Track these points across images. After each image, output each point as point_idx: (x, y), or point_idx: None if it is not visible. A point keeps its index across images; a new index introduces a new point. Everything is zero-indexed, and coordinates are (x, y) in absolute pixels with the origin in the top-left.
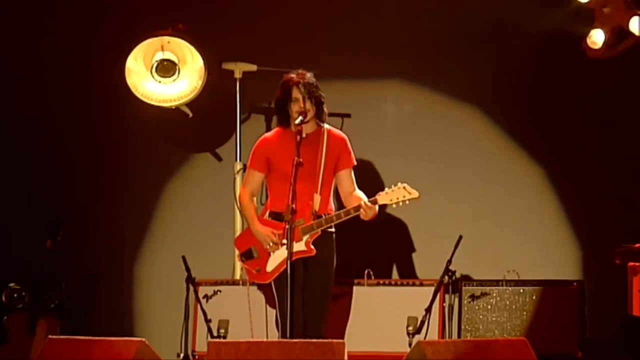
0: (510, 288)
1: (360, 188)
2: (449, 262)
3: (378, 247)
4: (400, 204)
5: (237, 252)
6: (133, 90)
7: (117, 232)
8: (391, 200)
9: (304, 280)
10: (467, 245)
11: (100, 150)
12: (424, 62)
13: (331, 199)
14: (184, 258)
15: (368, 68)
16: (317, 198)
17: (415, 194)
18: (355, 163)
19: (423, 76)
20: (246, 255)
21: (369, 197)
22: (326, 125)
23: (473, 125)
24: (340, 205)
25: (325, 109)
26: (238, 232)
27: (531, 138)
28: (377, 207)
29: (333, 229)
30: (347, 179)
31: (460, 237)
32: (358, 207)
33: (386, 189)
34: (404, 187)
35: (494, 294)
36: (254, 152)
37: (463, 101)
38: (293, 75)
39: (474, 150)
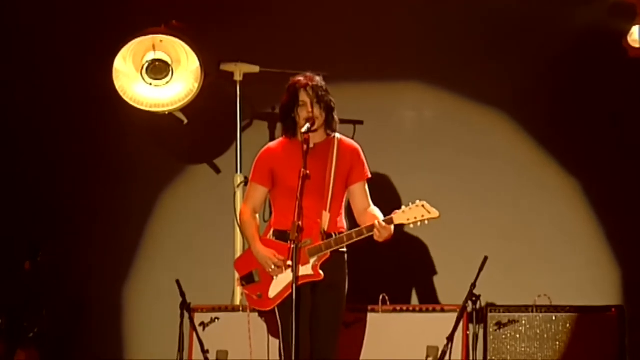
0: (541, 315)
1: (374, 204)
2: (473, 285)
3: (394, 269)
4: (419, 224)
5: (237, 275)
6: (122, 94)
7: (105, 252)
8: (408, 219)
9: (312, 306)
10: (493, 267)
11: (85, 161)
12: (446, 62)
13: (342, 216)
14: (178, 282)
15: (383, 69)
16: (326, 215)
17: (435, 213)
18: (369, 176)
19: (445, 78)
20: (247, 279)
21: (385, 214)
22: (337, 135)
23: (501, 133)
24: (353, 223)
25: (335, 116)
26: (239, 253)
27: (566, 147)
28: (392, 227)
29: (345, 249)
30: (360, 194)
31: (486, 258)
32: (371, 227)
33: (403, 207)
34: (423, 206)
35: (523, 322)
36: (257, 164)
37: (490, 106)
38: (300, 78)
39: (501, 161)
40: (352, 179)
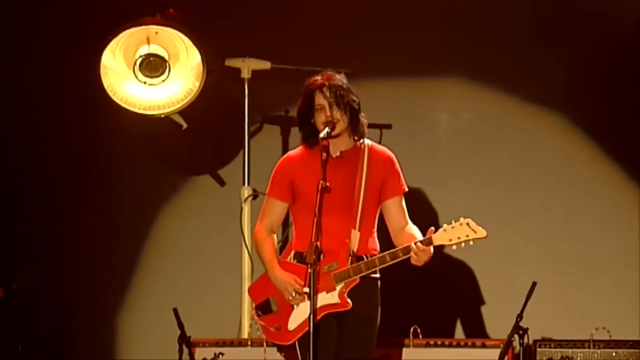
0: (599, 351)
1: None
2: (520, 316)
3: (428, 297)
4: (463, 244)
5: (249, 303)
6: (111, 95)
7: (94, 276)
8: (450, 240)
9: (338, 341)
10: (543, 295)
11: (69, 173)
12: (491, 54)
13: (374, 236)
14: (175, 311)
15: (415, 64)
16: (355, 235)
17: (481, 232)
18: (406, 189)
19: (489, 74)
20: (263, 309)
21: (424, 233)
22: (367, 141)
23: (555, 138)
24: (388, 244)
25: (363, 118)
26: (246, 278)
27: (632, 158)
28: (432, 248)
29: (377, 274)
30: (396, 210)
31: (534, 284)
32: (408, 249)
33: (445, 226)
34: (468, 224)
35: (579, 359)
36: (275, 175)
37: (543, 107)
38: (317, 78)
39: (555, 173)
40: (386, 193)
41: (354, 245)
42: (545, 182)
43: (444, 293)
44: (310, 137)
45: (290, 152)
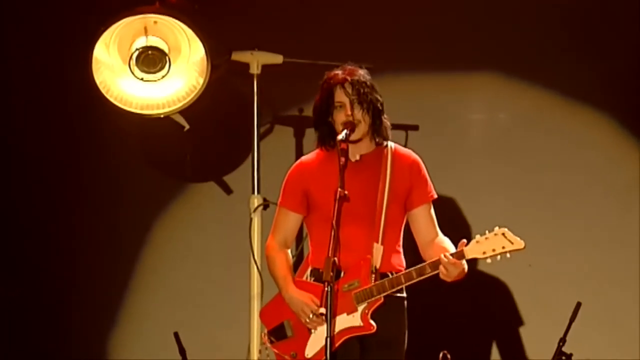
0: None
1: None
2: (563, 340)
3: (458, 318)
4: (498, 257)
5: (258, 326)
6: (104, 92)
7: (84, 296)
8: (484, 252)
9: None
10: (589, 317)
11: (58, 180)
12: (528, 48)
13: (400, 250)
14: (176, 335)
15: (445, 58)
16: (378, 249)
17: (519, 243)
18: (434, 196)
19: (527, 68)
20: (276, 334)
21: (456, 246)
22: (390, 144)
23: (604, 142)
24: (416, 259)
25: (386, 120)
26: (255, 298)
27: None
28: (464, 262)
29: (404, 293)
30: (424, 220)
31: (579, 305)
32: (437, 264)
33: (478, 237)
34: (504, 234)
35: None
36: (287, 184)
37: (590, 106)
38: (337, 72)
39: (601, 181)
40: (412, 202)
41: (377, 260)
42: (590, 190)
43: (476, 313)
44: (327, 137)
45: (303, 158)
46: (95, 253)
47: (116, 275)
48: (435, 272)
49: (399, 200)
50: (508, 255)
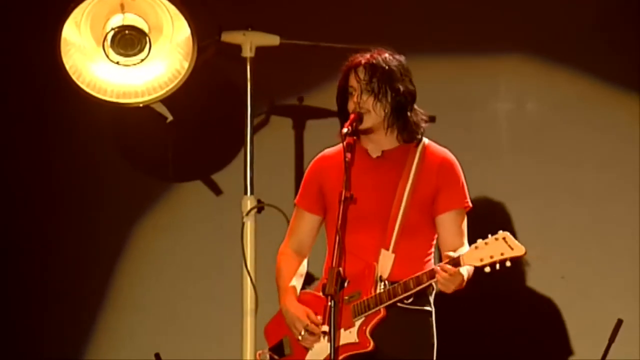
0: None
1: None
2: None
3: (490, 336)
4: (497, 265)
5: (252, 345)
6: (74, 78)
7: (55, 309)
8: (482, 259)
9: None
10: (631, 334)
11: (24, 179)
12: (561, 26)
13: (425, 260)
14: (157, 357)
15: (468, 39)
16: (386, 257)
17: (519, 249)
18: (468, 204)
19: (563, 51)
20: (276, 352)
21: None
22: (425, 140)
23: None
24: None
25: (414, 115)
26: (248, 313)
27: None
28: (465, 271)
29: (430, 307)
30: (449, 227)
31: (620, 323)
32: (432, 273)
33: (478, 242)
34: (504, 239)
35: None
36: (304, 181)
37: (631, 93)
38: (362, 55)
39: None
40: (438, 207)
41: (385, 269)
42: (636, 191)
43: (510, 331)
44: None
45: (327, 150)
46: (64, 264)
47: (89, 290)
48: (432, 281)
49: (422, 205)
50: (508, 263)
